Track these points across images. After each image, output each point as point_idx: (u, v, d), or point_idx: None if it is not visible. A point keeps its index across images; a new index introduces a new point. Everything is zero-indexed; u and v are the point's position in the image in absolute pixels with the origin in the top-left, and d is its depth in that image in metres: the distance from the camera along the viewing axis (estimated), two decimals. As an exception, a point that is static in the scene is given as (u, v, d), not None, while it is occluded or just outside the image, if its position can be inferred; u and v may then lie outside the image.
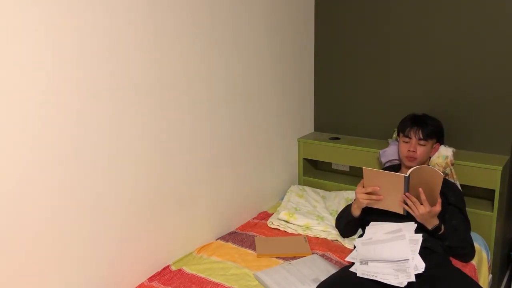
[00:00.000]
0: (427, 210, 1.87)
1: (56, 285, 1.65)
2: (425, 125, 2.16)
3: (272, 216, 2.53)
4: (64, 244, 1.65)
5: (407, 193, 1.90)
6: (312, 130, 3.06)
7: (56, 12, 1.51)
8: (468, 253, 2.02)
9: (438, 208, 1.89)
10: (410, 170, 1.90)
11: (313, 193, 2.73)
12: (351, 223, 2.18)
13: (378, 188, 1.96)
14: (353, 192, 2.67)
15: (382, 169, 2.36)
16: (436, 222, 1.92)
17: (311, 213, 2.48)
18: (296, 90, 2.82)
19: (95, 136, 1.70)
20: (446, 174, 2.33)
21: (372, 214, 2.09)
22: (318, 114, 3.02)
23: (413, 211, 1.89)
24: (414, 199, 1.89)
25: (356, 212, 2.10)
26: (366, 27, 2.70)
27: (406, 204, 1.92)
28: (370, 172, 1.97)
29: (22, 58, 1.44)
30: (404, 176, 1.87)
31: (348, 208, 2.19)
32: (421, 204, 1.88)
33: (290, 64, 2.72)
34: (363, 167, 1.99)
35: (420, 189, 1.88)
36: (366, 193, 1.99)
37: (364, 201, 2.01)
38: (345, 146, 2.71)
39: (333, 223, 2.39)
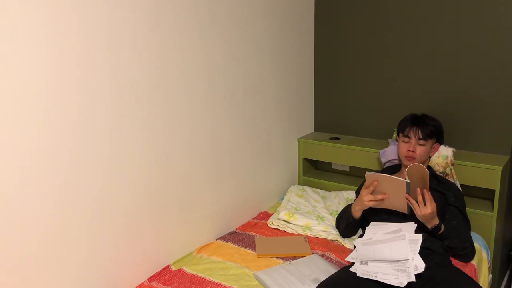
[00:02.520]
0: (429, 211, 1.89)
1: (56, 285, 1.65)
2: (425, 125, 2.17)
3: (272, 216, 2.53)
4: (64, 244, 1.65)
5: (407, 195, 1.93)
6: (312, 130, 3.06)
7: (56, 12, 1.51)
8: (468, 253, 2.02)
9: (434, 204, 1.92)
10: (406, 171, 1.93)
11: (313, 193, 2.73)
12: (351, 225, 2.19)
13: (376, 183, 1.99)
14: (353, 192, 2.68)
15: (383, 169, 2.36)
16: (436, 221, 1.93)
17: (311, 213, 2.48)
18: (296, 90, 2.82)
19: (95, 136, 1.70)
20: (446, 174, 2.33)
21: (372, 215, 2.09)
22: (318, 114, 3.02)
23: (416, 211, 1.92)
24: (417, 201, 1.92)
25: (357, 214, 2.10)
26: (366, 27, 2.70)
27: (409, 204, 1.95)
28: (372, 177, 1.99)
29: (22, 58, 1.44)
30: (406, 182, 1.90)
31: (348, 210, 2.19)
32: (425, 204, 1.90)
33: (290, 64, 2.72)
34: (366, 173, 2.01)
35: (425, 190, 1.92)
36: (371, 195, 2.02)
37: (370, 203, 2.02)
38: (345, 146, 2.71)
39: (333, 223, 2.39)
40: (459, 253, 2.01)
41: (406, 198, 1.94)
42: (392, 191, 1.97)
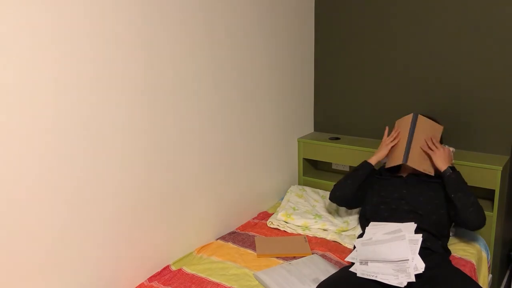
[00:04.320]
0: (442, 150, 2.11)
1: (56, 285, 1.65)
2: None
3: (272, 216, 2.54)
4: (64, 244, 1.65)
5: (426, 139, 2.14)
6: (312, 130, 3.06)
7: (64, 13, 1.51)
8: (481, 210, 1.97)
9: (447, 149, 2.16)
10: (416, 117, 2.17)
11: (313, 193, 2.73)
12: (357, 173, 2.22)
13: (399, 130, 2.24)
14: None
15: (381, 167, 2.37)
16: (452, 162, 2.14)
17: (309, 213, 2.48)
18: (296, 90, 2.82)
19: (96, 136, 1.70)
20: (446, 174, 2.33)
21: (372, 214, 2.09)
22: (318, 114, 3.02)
23: (434, 152, 2.10)
24: (429, 143, 2.13)
25: (372, 161, 2.25)
26: (366, 27, 2.70)
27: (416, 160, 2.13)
28: (398, 122, 2.29)
29: (22, 58, 1.44)
30: (413, 114, 2.18)
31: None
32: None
33: (290, 64, 2.72)
34: (397, 121, 2.29)
35: (434, 140, 2.15)
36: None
37: (389, 145, 2.21)
38: (345, 146, 2.71)
39: (332, 220, 2.40)
40: (471, 209, 1.95)
41: (425, 141, 2.13)
42: (402, 131, 2.21)
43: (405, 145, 2.13)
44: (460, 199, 1.97)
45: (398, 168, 2.30)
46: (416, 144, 2.13)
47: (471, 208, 1.96)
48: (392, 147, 2.23)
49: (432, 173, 2.12)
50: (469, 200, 1.97)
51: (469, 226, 1.99)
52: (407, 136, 2.15)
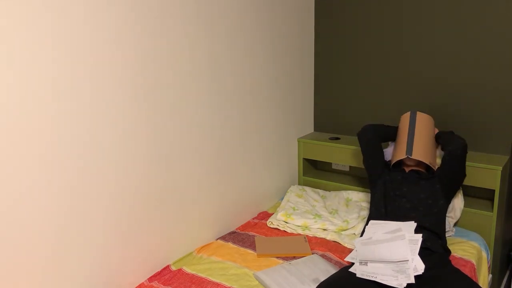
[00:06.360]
0: None
1: (56, 285, 1.65)
2: None
3: (272, 216, 2.54)
4: (64, 244, 1.66)
5: None
6: (312, 130, 3.06)
7: (63, 12, 1.51)
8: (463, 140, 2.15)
9: None
10: (417, 113, 2.25)
11: (313, 193, 2.73)
12: (385, 124, 2.39)
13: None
14: (353, 192, 2.69)
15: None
16: None
17: (309, 212, 2.48)
18: (296, 90, 2.82)
19: (96, 136, 1.70)
20: (446, 174, 2.34)
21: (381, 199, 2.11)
22: (318, 114, 3.02)
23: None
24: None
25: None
26: (366, 27, 2.70)
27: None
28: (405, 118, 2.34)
29: (23, 59, 1.44)
30: (411, 111, 2.28)
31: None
32: None
33: (290, 64, 2.72)
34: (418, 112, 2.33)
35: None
36: None
37: None
38: (345, 146, 2.71)
39: (332, 220, 2.40)
40: (461, 140, 2.14)
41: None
42: (403, 129, 2.29)
43: (406, 140, 2.16)
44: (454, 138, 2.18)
45: (401, 164, 2.31)
46: (419, 138, 2.15)
47: (460, 139, 2.15)
48: (395, 143, 2.26)
49: (436, 167, 2.14)
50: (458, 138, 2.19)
51: (459, 147, 2.12)
52: (408, 131, 2.17)
